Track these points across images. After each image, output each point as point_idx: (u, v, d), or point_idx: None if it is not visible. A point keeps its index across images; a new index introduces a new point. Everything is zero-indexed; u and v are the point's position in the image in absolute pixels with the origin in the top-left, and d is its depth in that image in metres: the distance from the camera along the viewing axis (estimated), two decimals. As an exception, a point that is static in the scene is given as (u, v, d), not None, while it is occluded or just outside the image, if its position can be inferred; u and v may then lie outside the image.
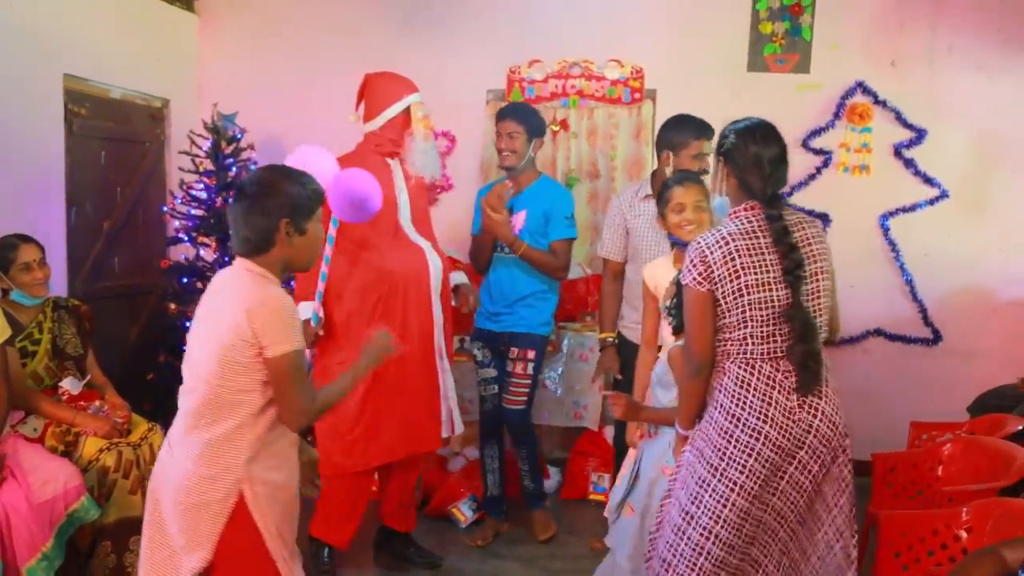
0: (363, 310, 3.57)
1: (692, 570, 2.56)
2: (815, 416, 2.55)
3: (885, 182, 5.13)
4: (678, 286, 2.89)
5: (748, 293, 2.49)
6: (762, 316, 2.50)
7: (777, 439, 2.51)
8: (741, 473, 2.51)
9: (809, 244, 2.57)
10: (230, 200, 2.37)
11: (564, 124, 5.34)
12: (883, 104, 5.10)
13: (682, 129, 3.82)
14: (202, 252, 4.82)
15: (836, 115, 5.13)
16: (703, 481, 2.56)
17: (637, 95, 5.28)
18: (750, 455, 2.51)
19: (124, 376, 4.24)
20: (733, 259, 2.49)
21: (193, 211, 4.83)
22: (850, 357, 5.23)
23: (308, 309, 3.50)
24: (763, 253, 2.50)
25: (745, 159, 2.58)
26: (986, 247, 5.11)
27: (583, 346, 4.78)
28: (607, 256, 4.01)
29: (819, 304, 2.57)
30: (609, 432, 4.79)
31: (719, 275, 2.50)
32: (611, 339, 4.02)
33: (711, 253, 2.51)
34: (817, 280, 2.57)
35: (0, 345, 3.18)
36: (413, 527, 3.98)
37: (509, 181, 4.12)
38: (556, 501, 4.74)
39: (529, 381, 4.11)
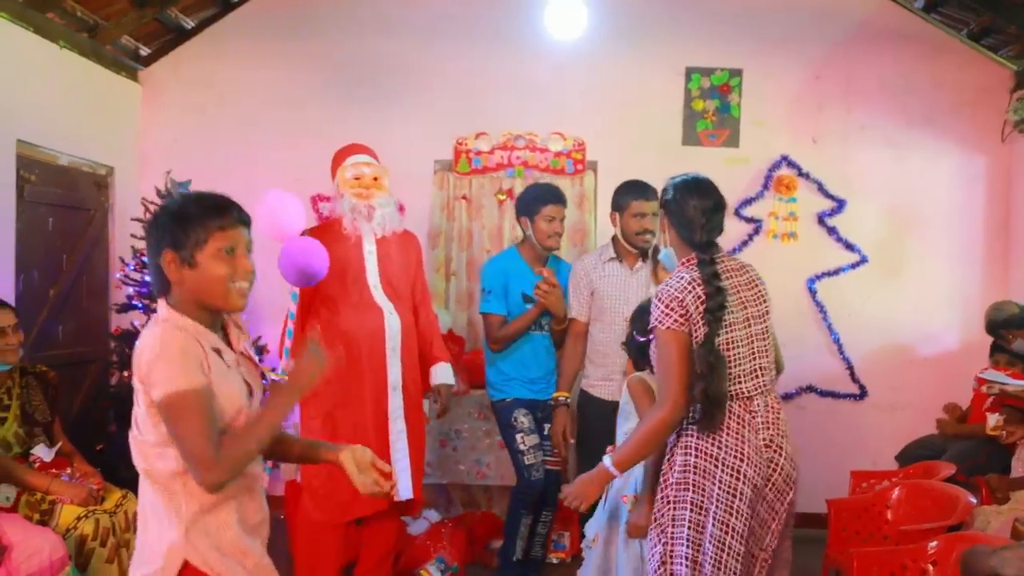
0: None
1: None
2: (780, 454, 2.68)
3: (811, 248, 5.46)
4: (633, 321, 3.03)
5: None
6: (728, 357, 2.62)
7: (754, 477, 2.61)
8: (729, 515, 2.58)
9: (740, 291, 2.71)
10: None
11: (510, 194, 5.44)
12: (806, 176, 5.46)
13: (625, 192, 4.03)
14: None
15: (765, 186, 5.46)
16: (698, 525, 2.61)
17: (579, 166, 5.49)
18: (734, 495, 2.58)
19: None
20: (704, 301, 2.60)
21: (147, 277, 4.73)
22: (786, 413, 5.42)
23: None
24: None
25: (682, 210, 2.75)
26: (903, 307, 5.47)
27: (539, 407, 4.85)
28: (574, 316, 4.10)
29: (762, 346, 2.71)
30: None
31: (695, 318, 2.60)
32: (564, 398, 4.07)
33: (685, 296, 2.61)
34: (753, 323, 2.70)
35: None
36: None
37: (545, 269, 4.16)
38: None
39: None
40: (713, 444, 2.61)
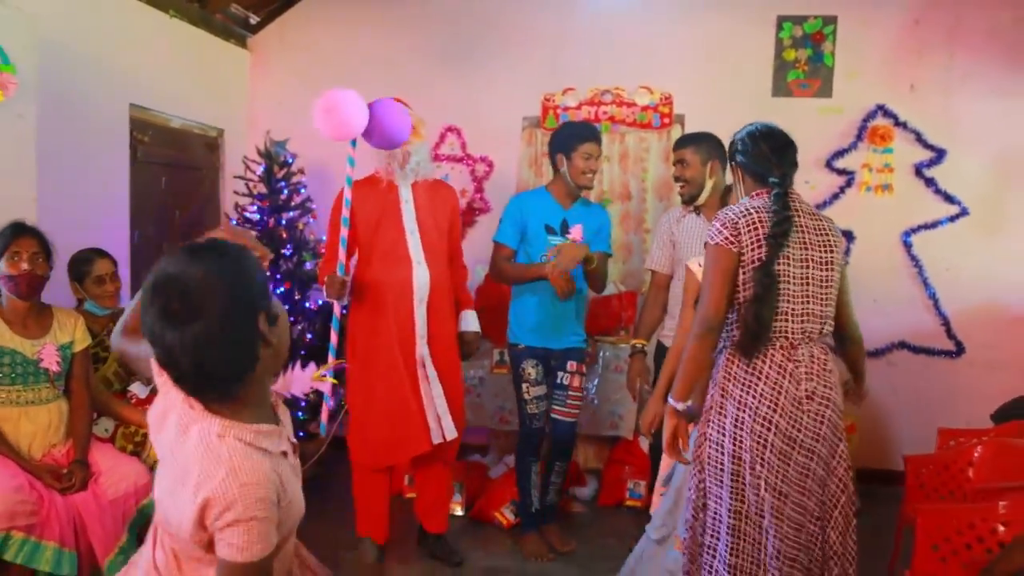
0: (358, 318, 3.74)
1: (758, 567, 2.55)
2: (827, 407, 2.55)
3: (907, 200, 5.14)
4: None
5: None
6: (780, 289, 2.51)
7: (787, 429, 2.49)
8: (761, 466, 2.49)
9: (806, 232, 2.59)
10: (167, 324, 1.49)
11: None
12: (903, 126, 5.11)
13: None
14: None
15: (858, 137, 5.15)
16: (734, 474, 2.54)
17: (666, 120, 5.33)
18: (764, 446, 2.49)
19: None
20: (757, 228, 2.53)
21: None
22: (875, 369, 5.20)
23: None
24: None
25: (752, 154, 2.69)
26: (1005, 262, 5.09)
27: (619, 358, 4.79)
28: (655, 268, 4.01)
29: (819, 292, 2.58)
30: (643, 441, 4.79)
31: (745, 241, 2.53)
32: (640, 345, 3.98)
33: (739, 219, 2.55)
34: (812, 267, 2.58)
35: (83, 352, 3.25)
36: (443, 529, 3.99)
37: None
38: (594, 507, 4.74)
39: (582, 394, 4.13)
40: (749, 393, 2.52)
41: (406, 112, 3.65)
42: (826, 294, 2.60)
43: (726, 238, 2.54)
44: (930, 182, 5.11)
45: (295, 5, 5.83)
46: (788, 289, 2.53)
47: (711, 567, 2.60)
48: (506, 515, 4.34)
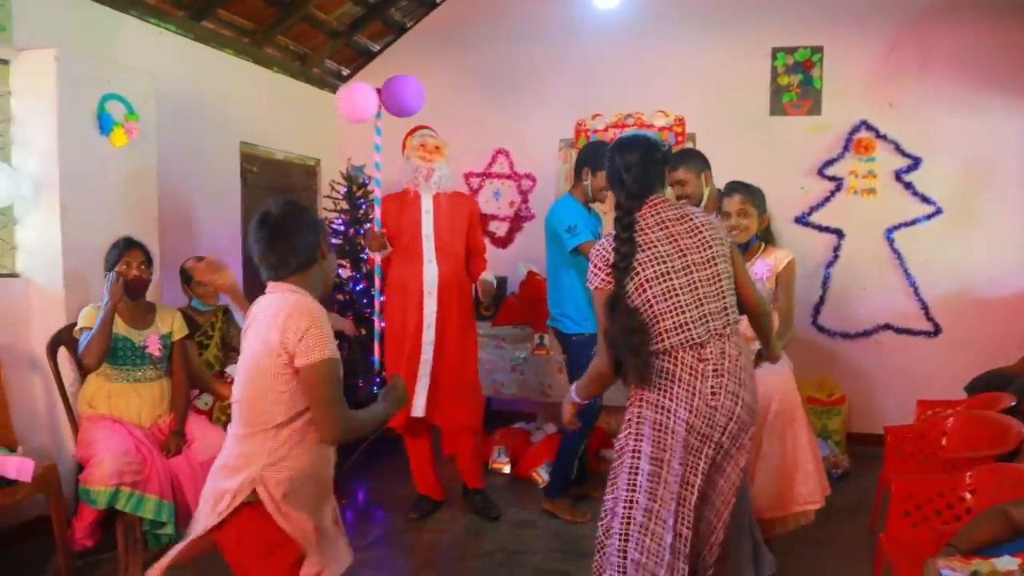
0: (387, 305, 3.61)
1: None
2: (736, 403, 2.09)
3: (889, 202, 4.64)
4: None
5: (650, 288, 2.06)
6: (668, 306, 2.06)
7: (702, 428, 2.06)
8: (683, 467, 2.06)
9: (679, 239, 2.10)
10: (262, 231, 1.90)
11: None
12: (884, 138, 4.62)
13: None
14: (340, 271, 4.73)
15: (845, 148, 4.68)
16: (655, 476, 2.07)
17: (680, 139, 4.95)
18: (686, 448, 2.06)
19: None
20: (628, 259, 2.07)
21: (333, 240, 4.75)
22: (864, 348, 4.75)
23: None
24: (653, 247, 2.08)
25: (610, 171, 2.21)
26: (974, 253, 4.55)
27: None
28: None
29: (710, 291, 2.09)
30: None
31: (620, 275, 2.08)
32: None
33: (609, 256, 2.09)
34: (696, 270, 2.08)
35: (180, 341, 3.13)
36: (478, 485, 3.69)
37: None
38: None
39: None
40: (666, 396, 2.07)
41: (420, 89, 3.62)
42: (718, 290, 2.10)
43: (603, 279, 2.10)
44: (908, 186, 4.61)
45: (376, 58, 5.65)
46: (680, 300, 2.06)
47: (617, 560, 2.14)
48: (541, 475, 4.06)
